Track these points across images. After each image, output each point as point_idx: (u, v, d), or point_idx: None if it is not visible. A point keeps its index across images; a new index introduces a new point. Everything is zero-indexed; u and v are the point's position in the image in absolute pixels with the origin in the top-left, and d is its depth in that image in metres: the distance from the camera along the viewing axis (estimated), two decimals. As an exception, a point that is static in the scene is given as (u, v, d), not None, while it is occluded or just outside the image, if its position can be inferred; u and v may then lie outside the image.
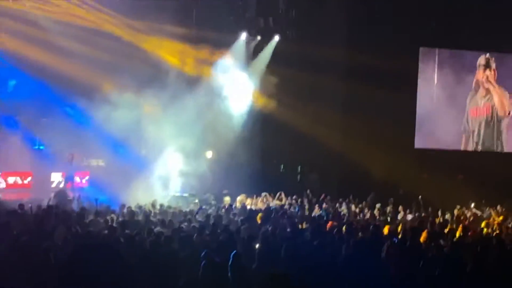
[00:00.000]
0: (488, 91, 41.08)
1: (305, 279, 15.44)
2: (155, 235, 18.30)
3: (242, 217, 24.20)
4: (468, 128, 41.23)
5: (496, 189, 34.47)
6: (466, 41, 39.82)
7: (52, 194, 28.96)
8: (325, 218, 25.98)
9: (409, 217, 28.95)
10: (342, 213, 29.27)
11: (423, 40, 40.22)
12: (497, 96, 41.02)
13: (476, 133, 41.32)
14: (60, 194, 28.71)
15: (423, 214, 29.43)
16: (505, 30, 38.22)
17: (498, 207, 31.85)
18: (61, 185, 32.48)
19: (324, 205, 30.70)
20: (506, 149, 41.43)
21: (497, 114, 41.24)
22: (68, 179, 32.73)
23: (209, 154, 35.67)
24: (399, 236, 20.72)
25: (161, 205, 26.45)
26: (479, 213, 30.98)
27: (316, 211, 29.24)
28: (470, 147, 41.29)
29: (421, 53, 40.73)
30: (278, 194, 32.18)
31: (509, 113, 40.96)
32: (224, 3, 36.37)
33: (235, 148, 35.32)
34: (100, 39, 32.35)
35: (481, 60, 40.91)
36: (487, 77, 40.92)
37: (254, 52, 37.69)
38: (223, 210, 26.69)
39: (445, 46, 40.83)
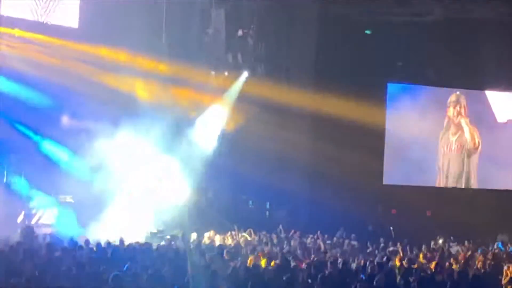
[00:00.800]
0: (459, 128, 41.31)
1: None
2: (124, 272, 18.24)
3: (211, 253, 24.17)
4: (440, 165, 41.38)
5: (464, 225, 34.68)
6: (434, 79, 40.22)
7: (19, 230, 28.82)
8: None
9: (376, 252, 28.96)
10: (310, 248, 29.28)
11: (390, 76, 40.46)
12: (469, 132, 41.26)
13: (446, 169, 41.48)
14: (27, 230, 28.51)
15: (390, 249, 29.47)
16: (472, 68, 38.64)
17: (466, 243, 32.01)
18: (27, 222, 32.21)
19: (293, 242, 30.65)
20: (475, 186, 41.61)
21: (468, 150, 41.48)
22: (28, 216, 32.37)
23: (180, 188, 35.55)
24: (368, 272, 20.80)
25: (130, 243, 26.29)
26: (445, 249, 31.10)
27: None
28: (442, 184, 41.42)
29: (388, 88, 40.91)
30: (247, 230, 32.14)
31: (477, 146, 41.18)
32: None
33: (204, 183, 35.42)
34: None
35: (452, 97, 41.18)
36: (458, 113, 41.18)
37: (223, 88, 37.72)
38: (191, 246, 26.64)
39: (413, 82, 41.10)
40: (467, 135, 41.44)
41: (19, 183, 32.52)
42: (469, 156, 41.52)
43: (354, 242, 30.78)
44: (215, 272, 18.34)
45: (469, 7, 37.98)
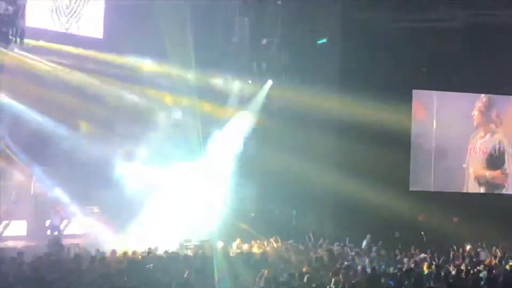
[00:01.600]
0: (486, 131, 41.17)
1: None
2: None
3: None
4: (469, 170, 41.27)
5: (492, 230, 34.53)
6: (459, 84, 40.11)
7: (47, 242, 28.90)
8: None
9: (405, 260, 28.83)
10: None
11: (415, 83, 40.39)
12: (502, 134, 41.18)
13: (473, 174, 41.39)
14: (54, 241, 28.59)
15: (421, 256, 29.37)
16: (498, 74, 38.58)
17: (494, 249, 31.87)
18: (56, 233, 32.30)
19: (320, 251, 30.56)
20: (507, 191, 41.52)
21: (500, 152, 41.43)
22: (54, 228, 32.45)
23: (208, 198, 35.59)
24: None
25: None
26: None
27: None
28: (470, 189, 41.26)
29: (414, 96, 40.79)
30: (273, 237, 32.10)
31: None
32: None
33: (229, 192, 35.51)
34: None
35: (478, 102, 41.01)
36: (485, 117, 41.10)
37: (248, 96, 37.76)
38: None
39: (438, 89, 40.97)
40: (499, 136, 41.26)
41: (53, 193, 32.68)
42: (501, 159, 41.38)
43: (382, 252, 30.61)
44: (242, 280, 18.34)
45: (492, 13, 37.86)
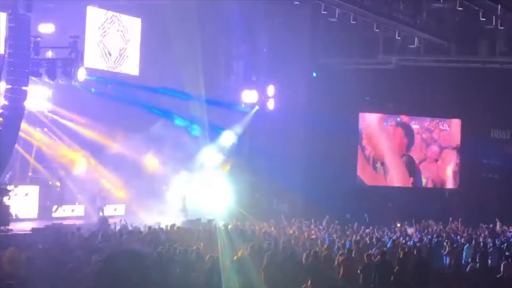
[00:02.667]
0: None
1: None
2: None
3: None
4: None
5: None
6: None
7: (97, 220, 28.89)
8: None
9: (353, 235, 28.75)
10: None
11: (360, 107, 40.72)
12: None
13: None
14: (102, 220, 28.55)
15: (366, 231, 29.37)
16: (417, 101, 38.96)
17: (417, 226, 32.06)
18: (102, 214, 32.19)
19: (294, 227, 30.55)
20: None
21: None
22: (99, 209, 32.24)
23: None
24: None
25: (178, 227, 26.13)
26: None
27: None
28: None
29: (360, 117, 41.07)
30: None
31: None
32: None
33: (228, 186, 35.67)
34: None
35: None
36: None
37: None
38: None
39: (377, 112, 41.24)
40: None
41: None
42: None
43: (337, 227, 30.60)
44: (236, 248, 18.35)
45: (416, 58, 38.07)
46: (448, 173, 41.82)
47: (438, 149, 41.90)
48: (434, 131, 41.87)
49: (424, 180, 41.69)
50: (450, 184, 41.89)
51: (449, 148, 41.93)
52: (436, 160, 41.71)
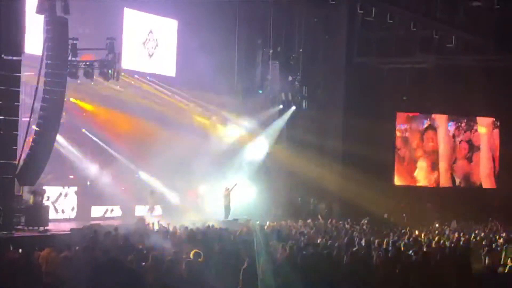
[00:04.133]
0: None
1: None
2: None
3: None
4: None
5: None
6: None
7: (135, 220, 28.91)
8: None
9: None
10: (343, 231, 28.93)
11: (397, 107, 40.35)
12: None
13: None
14: (140, 220, 28.56)
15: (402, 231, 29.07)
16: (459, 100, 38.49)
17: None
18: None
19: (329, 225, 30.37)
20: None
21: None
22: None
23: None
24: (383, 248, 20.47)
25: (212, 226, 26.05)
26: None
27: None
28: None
29: (397, 117, 40.74)
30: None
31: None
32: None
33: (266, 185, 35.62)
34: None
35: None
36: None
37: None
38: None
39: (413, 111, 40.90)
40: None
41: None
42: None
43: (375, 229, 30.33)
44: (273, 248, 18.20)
45: (454, 57, 37.68)
46: (485, 173, 41.37)
47: (474, 149, 41.48)
48: (471, 130, 41.43)
49: (457, 180, 41.28)
50: (488, 184, 41.43)
51: (486, 147, 41.49)
52: (471, 160, 41.30)
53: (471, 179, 41.54)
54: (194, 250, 16.15)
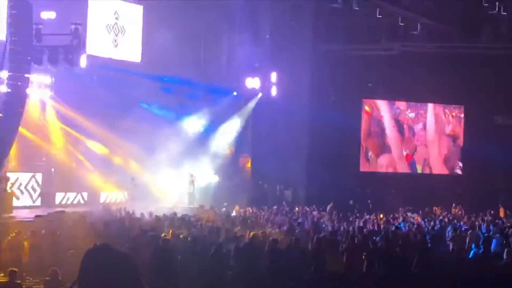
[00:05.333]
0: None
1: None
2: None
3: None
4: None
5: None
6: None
7: (101, 207, 28.85)
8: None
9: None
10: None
11: (364, 93, 40.62)
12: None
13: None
14: (106, 207, 28.55)
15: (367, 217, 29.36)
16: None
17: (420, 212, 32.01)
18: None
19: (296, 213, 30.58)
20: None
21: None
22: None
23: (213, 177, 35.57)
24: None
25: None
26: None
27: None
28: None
29: (363, 103, 40.99)
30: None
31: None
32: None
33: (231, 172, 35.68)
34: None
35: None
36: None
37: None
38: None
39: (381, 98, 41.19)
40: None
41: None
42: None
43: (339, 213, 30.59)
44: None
45: (419, 44, 37.95)
46: (449, 159, 41.84)
47: (439, 135, 41.93)
48: (436, 117, 41.86)
49: (420, 167, 41.72)
50: (452, 170, 41.90)
51: (451, 134, 41.97)
52: (434, 147, 41.82)
53: (432, 166, 41.94)
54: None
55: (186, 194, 33.14)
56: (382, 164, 41.29)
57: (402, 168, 41.55)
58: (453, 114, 42.09)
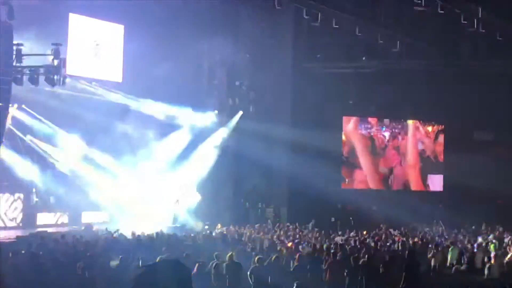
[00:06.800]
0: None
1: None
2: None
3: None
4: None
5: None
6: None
7: (83, 227, 28.76)
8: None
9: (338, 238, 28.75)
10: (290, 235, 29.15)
11: (344, 111, 40.78)
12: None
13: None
14: (88, 227, 28.46)
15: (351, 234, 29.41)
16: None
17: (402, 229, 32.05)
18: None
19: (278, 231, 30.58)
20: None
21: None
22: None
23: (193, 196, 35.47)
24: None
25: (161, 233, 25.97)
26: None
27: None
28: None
29: (343, 121, 41.16)
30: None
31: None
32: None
33: (213, 191, 35.65)
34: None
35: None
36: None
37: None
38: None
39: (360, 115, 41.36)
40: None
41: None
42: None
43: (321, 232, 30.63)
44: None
45: (397, 62, 38.22)
46: (429, 176, 42.02)
47: (418, 152, 42.14)
48: (415, 134, 42.11)
49: (400, 183, 41.93)
50: (432, 187, 42.08)
51: (429, 151, 42.18)
52: (414, 163, 42.02)
53: (412, 182, 42.12)
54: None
55: (171, 213, 33.12)
56: (361, 181, 41.38)
57: (379, 185, 41.67)
58: (433, 130, 42.30)
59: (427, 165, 42.28)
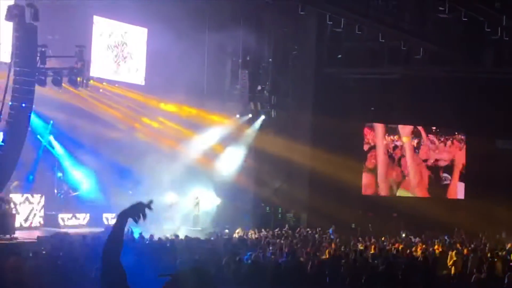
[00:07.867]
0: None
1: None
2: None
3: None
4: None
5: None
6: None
7: (103, 229, 28.78)
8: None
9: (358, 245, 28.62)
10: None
11: (365, 118, 40.64)
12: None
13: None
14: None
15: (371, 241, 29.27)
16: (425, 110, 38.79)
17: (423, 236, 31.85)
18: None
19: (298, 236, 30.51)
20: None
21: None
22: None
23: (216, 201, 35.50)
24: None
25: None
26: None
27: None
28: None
29: (365, 127, 41.02)
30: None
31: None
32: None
33: (233, 195, 35.63)
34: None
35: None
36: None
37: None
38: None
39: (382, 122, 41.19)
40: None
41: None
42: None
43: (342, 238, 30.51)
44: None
45: (421, 68, 38.07)
46: (452, 183, 41.73)
47: (440, 159, 41.84)
48: (438, 142, 41.80)
49: (422, 191, 41.67)
50: (455, 195, 41.78)
51: (452, 158, 41.87)
52: (439, 170, 41.71)
53: (437, 191, 41.83)
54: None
55: (191, 216, 33.13)
56: (382, 188, 41.21)
57: (402, 192, 41.47)
58: (454, 138, 42.01)
59: (447, 171, 41.97)
